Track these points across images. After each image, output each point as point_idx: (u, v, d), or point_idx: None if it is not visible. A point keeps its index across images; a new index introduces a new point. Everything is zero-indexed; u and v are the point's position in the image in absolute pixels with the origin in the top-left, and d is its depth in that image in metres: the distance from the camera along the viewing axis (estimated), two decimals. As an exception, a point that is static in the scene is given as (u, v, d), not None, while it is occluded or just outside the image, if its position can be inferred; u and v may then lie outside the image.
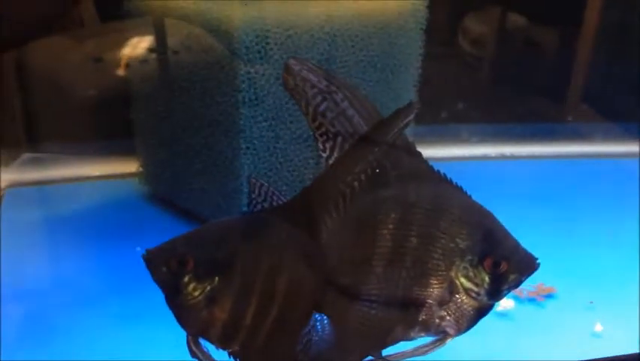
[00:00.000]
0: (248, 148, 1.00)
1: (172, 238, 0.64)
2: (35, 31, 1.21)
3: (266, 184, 0.71)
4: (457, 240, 0.72)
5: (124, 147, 1.29)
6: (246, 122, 0.99)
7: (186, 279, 0.63)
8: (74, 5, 1.30)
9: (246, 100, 0.98)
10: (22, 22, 1.12)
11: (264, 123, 1.00)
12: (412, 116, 0.65)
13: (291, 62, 0.71)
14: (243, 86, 0.97)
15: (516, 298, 0.98)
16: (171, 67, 1.14)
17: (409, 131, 0.74)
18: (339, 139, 0.71)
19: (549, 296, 1.00)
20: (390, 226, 0.72)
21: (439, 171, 0.73)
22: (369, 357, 0.75)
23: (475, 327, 0.74)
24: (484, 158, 1.58)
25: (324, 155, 0.71)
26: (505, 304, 0.96)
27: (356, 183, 0.65)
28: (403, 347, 0.73)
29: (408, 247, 0.72)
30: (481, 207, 0.74)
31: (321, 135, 0.71)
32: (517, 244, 0.73)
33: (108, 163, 1.37)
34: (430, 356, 0.73)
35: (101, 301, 0.99)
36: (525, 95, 1.74)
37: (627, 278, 1.05)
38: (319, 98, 0.71)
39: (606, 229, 1.23)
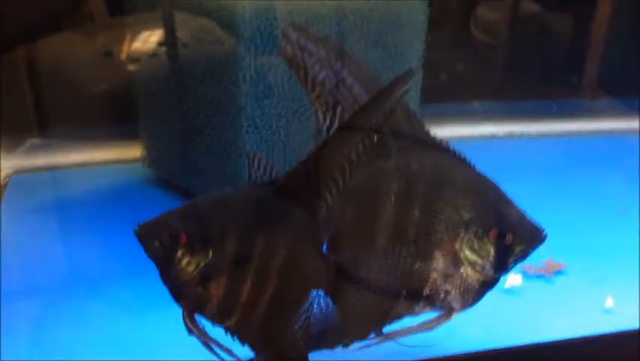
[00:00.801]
0: (249, 126, 0.99)
1: (164, 212, 0.63)
2: (46, 28, 1.22)
3: (265, 158, 0.70)
4: (461, 211, 0.70)
5: (128, 133, 1.29)
6: (246, 100, 0.98)
7: (180, 254, 0.62)
8: (84, 1, 1.30)
9: (247, 78, 0.96)
10: (33, 19, 1.12)
11: (265, 101, 0.99)
12: (409, 84, 0.64)
13: (289, 30, 0.70)
14: (243, 63, 0.96)
15: (524, 275, 0.97)
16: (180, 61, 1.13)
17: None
18: (339, 109, 0.70)
19: (558, 273, 0.99)
20: (392, 199, 0.71)
21: (442, 141, 0.72)
22: (373, 335, 0.75)
23: (481, 304, 0.73)
24: (494, 137, 1.57)
25: (325, 126, 0.71)
26: (513, 280, 0.94)
27: (354, 154, 0.64)
28: (407, 323, 0.73)
29: (410, 219, 0.71)
30: (486, 177, 0.72)
31: (320, 105, 0.70)
32: (523, 215, 0.72)
33: (112, 148, 1.38)
34: (436, 331, 0.72)
35: (108, 285, 0.98)
36: (539, 83, 1.72)
37: (637, 251, 1.03)
38: (318, 67, 0.69)
39: (615, 204, 1.21)
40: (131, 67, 1.25)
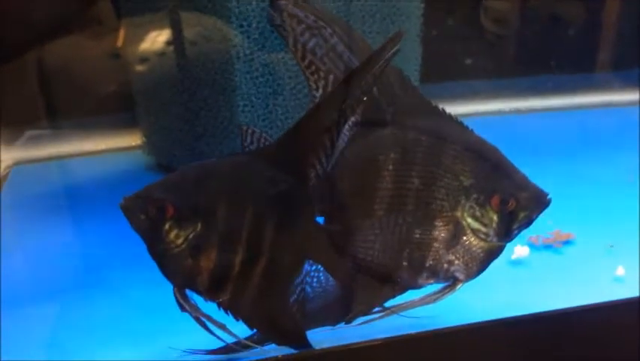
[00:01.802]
0: (245, 106, 0.98)
1: (149, 184, 0.61)
2: (53, 32, 1.22)
3: (258, 130, 0.69)
4: (462, 178, 0.69)
5: (127, 121, 1.29)
6: (241, 79, 0.97)
7: (167, 226, 0.61)
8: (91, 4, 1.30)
9: (240, 55, 0.95)
10: (40, 23, 1.12)
11: (261, 79, 0.98)
12: (397, 47, 0.62)
13: (277, -4, 0.68)
14: (237, 40, 0.95)
15: (531, 246, 0.95)
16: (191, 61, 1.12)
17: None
18: (331, 77, 0.68)
19: (567, 243, 0.97)
20: (390, 167, 0.69)
21: (437, 106, 0.70)
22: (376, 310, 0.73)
23: (488, 276, 0.72)
24: (499, 113, 1.56)
25: (317, 95, 0.69)
26: (520, 252, 0.92)
27: (342, 121, 0.62)
28: (411, 296, 0.71)
29: (409, 188, 0.69)
30: (485, 141, 0.70)
31: (312, 74, 0.69)
32: (526, 179, 0.70)
33: (112, 137, 1.38)
34: (441, 304, 0.71)
35: (109, 271, 0.98)
36: (549, 72, 1.70)
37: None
38: (307, 34, 0.67)
39: (623, 174, 1.20)
40: (139, 67, 1.24)
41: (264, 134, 0.68)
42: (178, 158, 1.19)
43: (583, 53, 1.75)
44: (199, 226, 0.61)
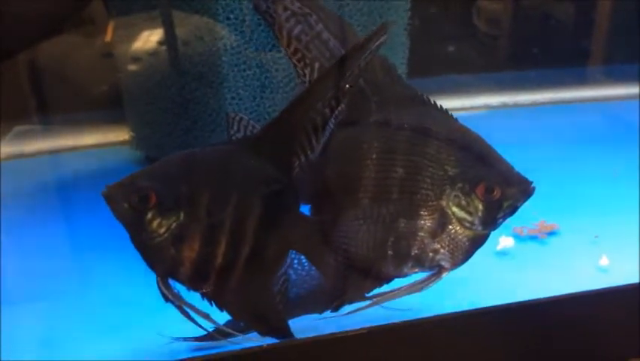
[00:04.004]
0: (233, 98, 0.99)
1: (132, 173, 0.61)
2: (46, 31, 1.22)
3: (245, 118, 0.69)
4: (446, 167, 0.69)
5: (115, 116, 1.29)
6: (228, 71, 0.97)
7: (150, 215, 0.60)
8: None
9: (227, 48, 0.96)
10: (32, 22, 1.12)
11: (248, 72, 0.98)
12: (384, 38, 0.62)
13: (261, -19, 0.69)
14: (224, 33, 0.95)
15: (516, 237, 0.96)
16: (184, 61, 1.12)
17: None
18: (317, 64, 0.68)
19: (552, 233, 0.98)
20: (374, 156, 0.70)
21: (422, 95, 0.70)
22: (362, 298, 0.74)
23: (473, 267, 0.73)
24: (488, 107, 1.58)
25: (304, 81, 0.69)
26: (505, 242, 0.94)
27: (327, 110, 0.63)
28: (397, 284, 0.72)
29: (394, 177, 0.70)
30: (470, 130, 0.71)
31: (298, 61, 0.69)
32: (510, 168, 0.71)
33: (100, 132, 1.37)
34: (427, 292, 0.71)
35: (98, 264, 0.98)
36: (541, 71, 1.72)
37: (631, 212, 1.02)
38: (292, 21, 0.68)
39: (607, 165, 1.22)
40: (129, 64, 1.25)
41: (251, 122, 0.69)
42: (166, 151, 1.19)
43: (573, 48, 1.77)
44: (182, 215, 0.61)
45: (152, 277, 0.66)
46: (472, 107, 1.56)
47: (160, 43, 1.18)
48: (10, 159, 1.31)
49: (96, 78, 1.36)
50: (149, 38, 1.20)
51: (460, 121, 0.71)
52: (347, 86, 0.62)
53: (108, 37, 1.27)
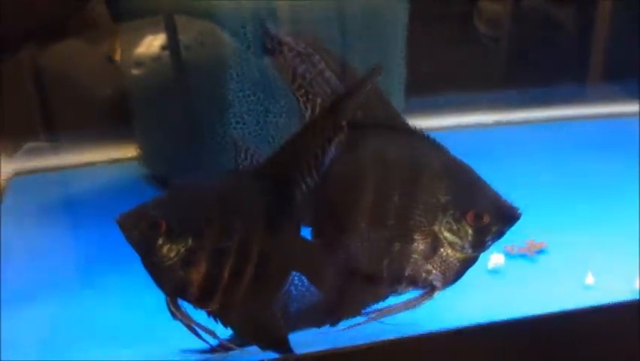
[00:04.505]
0: (237, 123, 1.03)
1: (143, 202, 0.66)
2: (43, 31, 1.25)
3: (252, 147, 0.74)
4: (439, 195, 0.74)
5: (123, 133, 1.33)
6: (234, 98, 1.02)
7: (160, 241, 0.65)
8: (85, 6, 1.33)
9: (233, 75, 1.00)
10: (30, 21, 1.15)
11: (252, 98, 1.03)
12: (378, 76, 0.68)
13: (270, 25, 0.74)
14: (230, 61, 1.00)
15: (507, 255, 1.00)
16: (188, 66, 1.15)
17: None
18: (319, 100, 0.73)
19: (540, 252, 1.02)
20: (371, 184, 0.75)
21: (416, 128, 0.75)
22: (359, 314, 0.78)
23: (466, 283, 0.77)
24: (480, 125, 1.62)
25: (307, 115, 0.74)
26: (496, 260, 0.97)
27: (326, 143, 0.68)
28: (392, 302, 0.76)
29: (390, 204, 0.74)
30: (460, 161, 0.76)
31: (301, 96, 0.74)
32: (497, 196, 0.75)
33: (108, 149, 1.41)
34: (420, 309, 0.75)
35: (105, 279, 1.01)
36: (542, 74, 1.74)
37: (618, 231, 1.07)
38: (297, 60, 0.73)
39: (596, 184, 1.26)
40: (135, 71, 1.28)
41: (258, 151, 0.74)
42: (172, 171, 1.23)
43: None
44: (190, 240, 0.66)
45: (157, 293, 0.71)
46: (463, 125, 1.60)
47: (163, 47, 1.20)
48: (20, 175, 1.35)
49: (106, 92, 1.39)
50: (153, 43, 1.23)
51: (451, 152, 0.76)
52: (344, 121, 0.67)
53: (117, 51, 1.30)
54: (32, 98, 1.33)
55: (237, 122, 1.03)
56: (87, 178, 1.35)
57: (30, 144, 1.38)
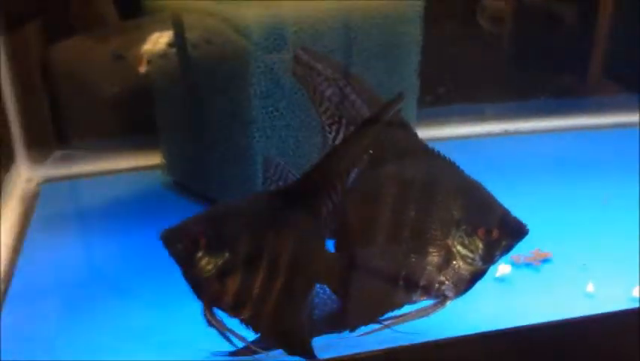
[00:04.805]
0: (261, 137, 1.08)
1: (186, 219, 0.72)
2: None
3: (282, 163, 0.80)
4: (453, 211, 0.79)
5: (147, 142, 1.38)
6: (258, 113, 1.07)
7: (199, 254, 0.71)
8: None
9: (257, 92, 1.06)
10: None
11: (276, 113, 1.08)
12: (400, 104, 0.74)
13: (300, 52, 0.80)
14: (254, 80, 1.05)
15: (513, 264, 1.05)
16: (190, 62, 1.20)
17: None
18: (344, 121, 0.79)
19: (545, 261, 1.07)
20: (391, 201, 0.80)
21: (433, 149, 0.81)
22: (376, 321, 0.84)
23: (475, 292, 0.82)
24: (492, 135, 1.67)
25: (330, 136, 0.80)
26: (503, 270, 1.03)
27: (353, 165, 0.74)
28: (406, 310, 0.81)
29: (407, 219, 0.80)
30: (473, 179, 0.81)
31: (327, 119, 0.80)
32: (507, 213, 0.81)
33: (133, 157, 1.46)
34: (436, 318, 0.80)
35: (131, 284, 1.06)
36: (545, 71, 1.76)
37: (619, 239, 1.13)
38: (325, 84, 0.79)
39: (599, 196, 1.30)
40: (142, 69, 1.30)
41: (287, 167, 0.80)
42: (195, 179, 1.29)
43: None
44: (226, 254, 0.72)
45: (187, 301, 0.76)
46: (468, 136, 1.65)
47: (170, 45, 1.24)
48: (50, 181, 1.40)
49: (129, 103, 1.43)
50: (159, 40, 1.26)
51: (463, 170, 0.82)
52: (369, 147, 0.73)
53: (143, 60, 1.33)
54: (60, 112, 1.38)
55: (260, 137, 1.09)
56: (113, 185, 1.40)
57: (58, 152, 1.44)
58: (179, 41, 1.21)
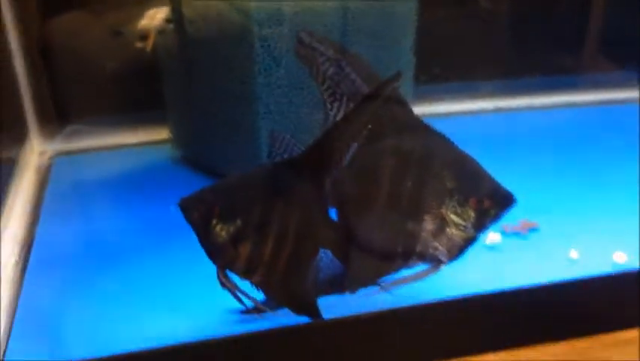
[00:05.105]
0: (265, 113, 1.14)
1: (201, 189, 0.78)
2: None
3: (287, 137, 0.85)
4: (446, 182, 0.85)
5: (156, 117, 1.43)
6: (262, 90, 1.12)
7: (214, 222, 0.77)
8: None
9: (261, 70, 1.11)
10: None
11: (278, 90, 1.13)
12: (398, 83, 0.79)
13: (302, 34, 0.85)
14: (258, 58, 1.10)
15: (503, 233, 1.11)
16: (187, 38, 1.22)
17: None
18: (345, 98, 0.85)
19: (532, 230, 1.13)
20: (389, 173, 0.86)
21: (428, 124, 0.87)
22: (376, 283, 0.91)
23: (467, 258, 0.88)
24: (487, 111, 1.72)
25: (332, 113, 0.86)
26: (493, 238, 1.09)
27: (355, 139, 0.80)
28: (404, 274, 0.87)
29: (404, 190, 0.86)
30: (465, 153, 0.87)
31: (329, 96, 0.85)
32: (497, 184, 0.87)
33: (143, 132, 1.51)
34: (431, 281, 0.86)
35: (144, 251, 1.11)
36: (540, 48, 1.80)
37: (602, 213, 1.19)
38: (327, 64, 0.84)
39: (587, 170, 1.37)
40: (149, 46, 1.33)
41: (292, 140, 0.85)
42: (203, 154, 1.34)
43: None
44: (238, 222, 0.78)
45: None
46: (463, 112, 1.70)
47: (167, 20, 1.28)
48: (62, 155, 1.45)
49: (138, 80, 1.46)
50: (156, 16, 1.30)
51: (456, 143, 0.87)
52: (368, 122, 0.79)
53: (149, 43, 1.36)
54: (73, 89, 1.42)
55: (265, 113, 1.14)
56: (124, 158, 1.45)
57: (71, 127, 1.48)
58: (176, 17, 1.23)
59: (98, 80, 1.46)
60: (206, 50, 1.20)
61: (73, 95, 1.44)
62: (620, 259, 1.04)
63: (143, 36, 1.36)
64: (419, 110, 0.88)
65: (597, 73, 1.86)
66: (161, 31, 1.31)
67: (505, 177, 0.86)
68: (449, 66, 1.71)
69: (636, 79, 1.75)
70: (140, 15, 1.35)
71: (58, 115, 1.46)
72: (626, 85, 1.76)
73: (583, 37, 1.82)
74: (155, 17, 1.31)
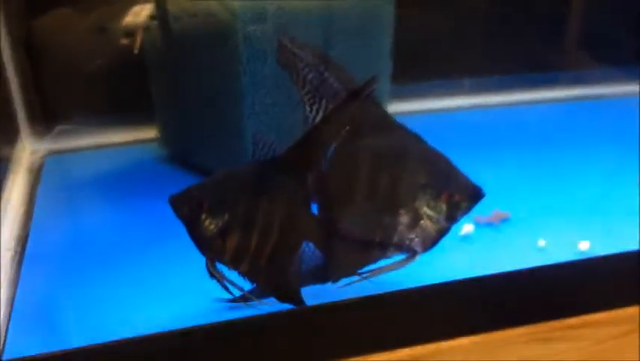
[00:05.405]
0: (250, 113, 1.18)
1: (190, 186, 0.83)
2: None
3: (270, 138, 0.91)
4: (419, 178, 0.90)
5: (144, 117, 1.46)
6: (247, 90, 1.16)
7: (203, 216, 0.82)
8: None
9: (247, 71, 1.15)
10: None
11: (263, 90, 1.17)
12: (375, 86, 0.85)
13: (283, 40, 0.90)
14: (243, 59, 1.14)
15: (476, 224, 1.16)
16: (172, 35, 1.24)
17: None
18: (324, 101, 0.90)
19: (504, 221, 1.18)
20: (366, 169, 0.92)
21: (402, 123, 0.92)
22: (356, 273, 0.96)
23: (442, 248, 0.93)
24: (467, 107, 1.77)
25: (311, 115, 0.91)
26: (467, 229, 1.14)
27: (335, 138, 0.85)
28: (381, 264, 0.92)
29: (380, 185, 0.91)
30: (437, 150, 0.93)
31: (309, 100, 0.91)
32: (467, 179, 0.92)
33: (131, 131, 1.54)
34: (407, 271, 0.91)
35: (134, 246, 1.14)
36: (521, 44, 1.82)
37: (569, 204, 1.25)
38: (307, 69, 0.89)
39: (560, 164, 1.43)
40: (137, 44, 1.33)
41: (275, 142, 0.90)
42: (190, 152, 1.37)
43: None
44: (226, 216, 0.83)
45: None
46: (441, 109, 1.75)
47: (152, 17, 1.27)
48: (52, 154, 1.47)
49: (127, 79, 1.47)
50: (141, 13, 1.30)
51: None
52: (346, 120, 0.85)
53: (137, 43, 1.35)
54: (61, 89, 1.44)
55: (250, 113, 1.18)
56: (112, 157, 1.47)
57: (60, 127, 1.50)
58: (160, 13, 1.25)
59: (84, 79, 1.47)
60: (192, 48, 1.23)
61: (59, 94, 1.46)
62: (584, 247, 1.10)
63: (129, 33, 1.37)
64: (398, 107, 0.92)
65: (578, 70, 1.90)
66: (146, 29, 1.32)
67: (479, 171, 0.91)
68: (428, 64, 1.74)
69: (614, 75, 1.80)
70: (124, 12, 1.36)
71: (46, 116, 1.48)
72: (604, 82, 1.82)
73: (562, 34, 1.86)
74: (141, 14, 1.33)
